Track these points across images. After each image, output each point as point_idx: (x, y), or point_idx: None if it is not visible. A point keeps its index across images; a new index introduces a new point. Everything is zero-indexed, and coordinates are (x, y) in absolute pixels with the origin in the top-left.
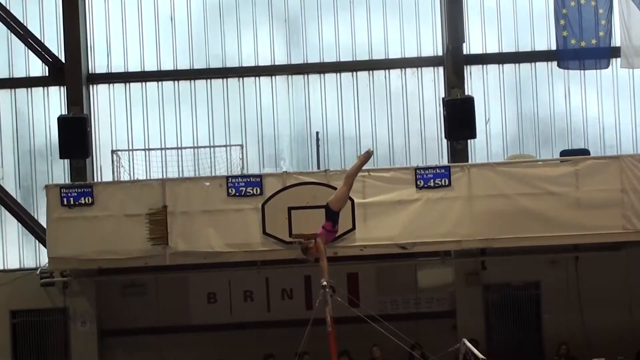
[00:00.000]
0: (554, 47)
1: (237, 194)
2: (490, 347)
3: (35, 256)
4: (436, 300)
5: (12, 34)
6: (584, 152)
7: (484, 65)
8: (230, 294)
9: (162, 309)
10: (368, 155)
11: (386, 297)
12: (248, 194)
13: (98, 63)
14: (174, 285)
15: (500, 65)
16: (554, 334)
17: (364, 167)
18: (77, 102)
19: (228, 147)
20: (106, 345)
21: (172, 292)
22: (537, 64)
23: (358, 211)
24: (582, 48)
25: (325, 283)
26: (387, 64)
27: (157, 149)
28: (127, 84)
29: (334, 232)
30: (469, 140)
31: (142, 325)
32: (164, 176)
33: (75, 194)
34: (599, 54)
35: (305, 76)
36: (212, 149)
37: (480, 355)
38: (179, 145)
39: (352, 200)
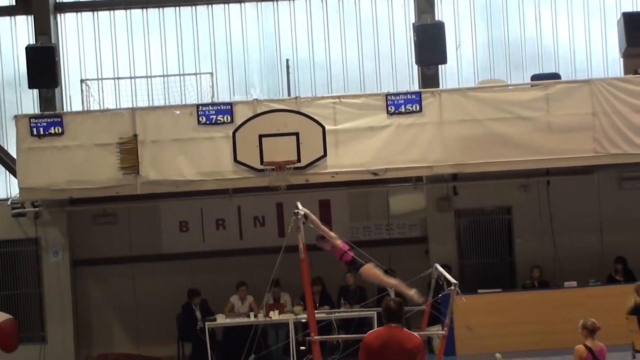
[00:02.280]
0: None
1: (208, 122)
2: (462, 272)
3: (6, 187)
4: (408, 226)
5: None
6: (555, 76)
7: None
8: (202, 222)
9: (133, 238)
10: None
11: (358, 223)
12: (219, 122)
13: None
14: (145, 215)
15: None
16: (525, 258)
17: (334, 93)
18: (45, 31)
19: (198, 76)
20: (78, 275)
21: (144, 221)
22: None
23: (329, 138)
24: None
25: (297, 210)
26: None
27: (127, 77)
28: (95, 13)
29: (347, 249)
30: (439, 66)
31: (114, 255)
32: (134, 105)
33: (45, 124)
34: None
35: (275, 2)
36: (181, 77)
37: (453, 280)
38: (149, 74)
39: (323, 127)
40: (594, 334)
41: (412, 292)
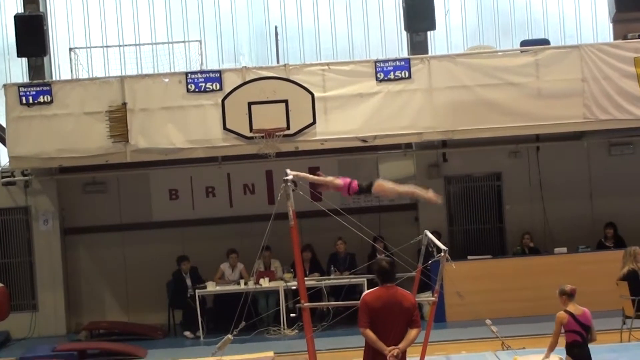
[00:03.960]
0: None
1: (197, 90)
2: (452, 239)
3: None
4: None
5: None
6: (544, 42)
7: None
8: (192, 190)
9: (123, 206)
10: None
11: None
12: (207, 89)
13: None
14: (135, 183)
15: None
16: (515, 225)
17: (323, 60)
18: None
19: (186, 43)
20: (69, 243)
21: (134, 189)
22: None
23: (318, 105)
24: None
25: (287, 177)
26: None
27: (115, 46)
28: None
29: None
30: (428, 32)
31: (104, 223)
32: (123, 73)
33: (34, 93)
34: None
35: None
36: (170, 45)
37: (442, 246)
38: (137, 42)
39: (312, 94)
40: (573, 297)
41: (429, 194)
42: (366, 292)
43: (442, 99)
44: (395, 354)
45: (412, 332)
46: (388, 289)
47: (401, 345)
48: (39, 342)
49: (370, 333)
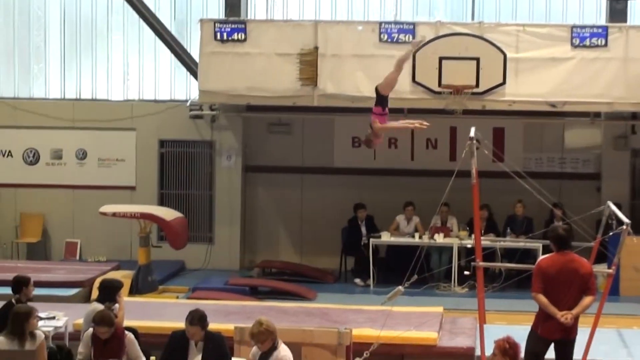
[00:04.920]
0: None
1: (389, 40)
2: (633, 213)
3: (186, 89)
4: (582, 162)
5: None
6: None
7: None
8: None
9: (306, 149)
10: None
11: (531, 154)
12: (400, 40)
13: None
14: (319, 127)
15: None
16: None
17: (518, 21)
18: None
19: None
20: (249, 181)
21: (317, 133)
22: None
23: (510, 65)
24: None
25: (472, 135)
26: None
27: None
28: None
29: (384, 115)
30: (629, 1)
31: (286, 164)
32: (317, 17)
33: (229, 30)
34: None
35: None
36: None
37: (625, 219)
38: None
39: (505, 54)
40: None
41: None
42: (542, 257)
43: (638, 70)
44: (568, 318)
45: (587, 299)
46: (564, 255)
47: (574, 311)
48: (212, 274)
49: (542, 297)
